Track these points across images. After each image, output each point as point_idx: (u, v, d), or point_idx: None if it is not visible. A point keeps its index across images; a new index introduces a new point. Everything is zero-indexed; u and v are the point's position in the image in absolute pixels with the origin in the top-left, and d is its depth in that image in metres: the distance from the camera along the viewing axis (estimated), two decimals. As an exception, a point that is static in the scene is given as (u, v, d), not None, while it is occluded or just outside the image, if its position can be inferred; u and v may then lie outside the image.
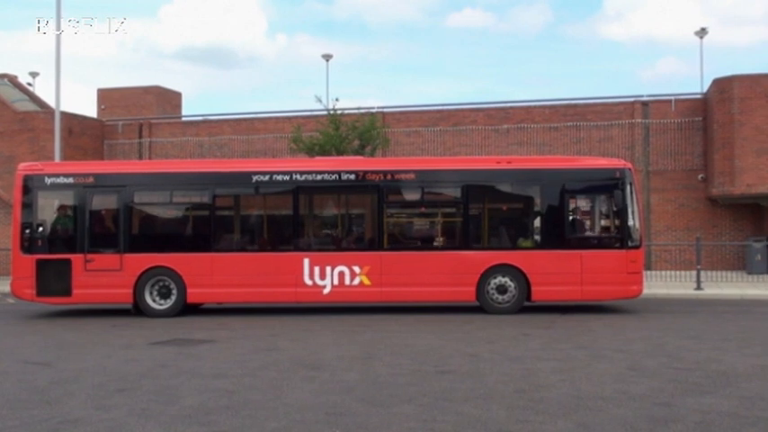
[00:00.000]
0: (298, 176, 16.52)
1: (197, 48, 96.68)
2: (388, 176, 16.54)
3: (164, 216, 17.57)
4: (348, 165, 17.19)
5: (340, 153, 23.48)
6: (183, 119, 36.77)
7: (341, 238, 17.10)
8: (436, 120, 29.86)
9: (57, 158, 24.36)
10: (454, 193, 16.82)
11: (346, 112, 25.90)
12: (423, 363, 10.09)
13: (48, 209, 16.95)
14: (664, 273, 23.83)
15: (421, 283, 15.98)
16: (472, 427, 6.80)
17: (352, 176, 16.61)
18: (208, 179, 16.82)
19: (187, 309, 16.46)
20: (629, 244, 15.98)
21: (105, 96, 39.07)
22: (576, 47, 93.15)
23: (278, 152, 29.26)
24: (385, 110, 30.52)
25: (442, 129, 29.63)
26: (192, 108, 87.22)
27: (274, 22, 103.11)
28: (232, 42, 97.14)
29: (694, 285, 20.64)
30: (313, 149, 24.05)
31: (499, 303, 16.03)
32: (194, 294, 16.22)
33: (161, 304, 16.19)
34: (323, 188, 16.84)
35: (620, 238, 16.04)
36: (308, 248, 16.49)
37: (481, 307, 16.07)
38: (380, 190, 16.43)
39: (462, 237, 16.60)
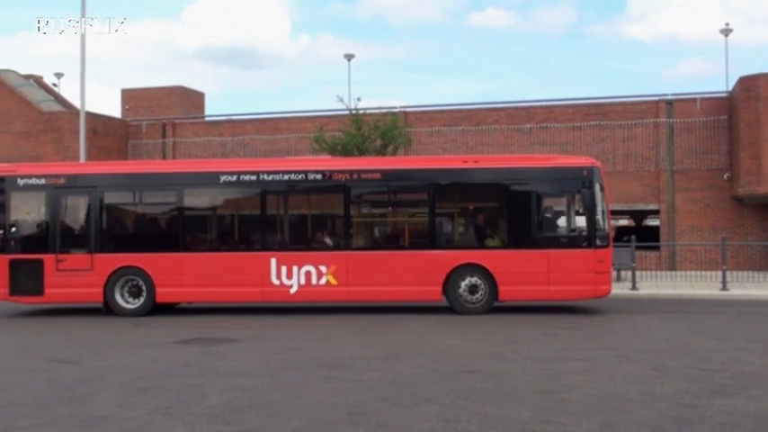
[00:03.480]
0: (265, 177, 16.59)
1: (220, 48, 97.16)
2: (355, 176, 16.47)
3: (133, 216, 17.62)
4: (314, 165, 17.11)
5: (362, 153, 23.49)
6: (207, 119, 36.95)
7: (308, 238, 17.12)
8: (458, 119, 29.79)
9: (82, 158, 24.54)
10: (420, 192, 16.70)
11: (368, 111, 25.89)
12: (445, 362, 10.07)
13: (21, 209, 17.18)
14: (689, 273, 23.62)
15: (387, 282, 15.91)
16: (495, 428, 6.78)
17: (319, 176, 16.57)
18: (176, 179, 16.97)
19: (161, 308, 16.61)
20: (597, 243, 15.63)
21: (129, 97, 39.33)
22: (599, 46, 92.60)
23: (300, 152, 29.27)
24: (407, 109, 30.50)
25: (464, 128, 29.56)
26: (214, 108, 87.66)
27: (297, 22, 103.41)
28: (255, 43, 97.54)
29: (720, 286, 20.43)
30: (335, 149, 24.06)
31: (470, 303, 15.87)
32: (163, 294, 16.33)
33: (131, 303, 16.33)
34: (290, 188, 16.88)
35: (587, 237, 15.71)
36: (275, 248, 16.51)
37: (451, 307, 15.92)
38: (347, 190, 16.40)
39: (428, 236, 16.43)
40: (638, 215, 31.61)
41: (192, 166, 18.83)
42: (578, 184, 15.87)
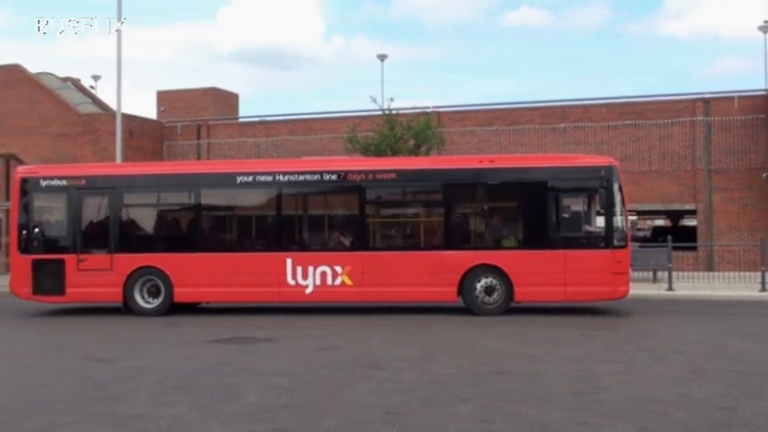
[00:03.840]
0: (280, 177, 16.64)
1: (254, 49, 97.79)
2: (370, 176, 16.41)
3: (151, 216, 17.78)
4: (330, 165, 17.13)
5: (395, 153, 23.50)
6: (241, 120, 37.23)
7: (323, 239, 17.13)
8: (492, 119, 29.68)
9: (118, 160, 24.84)
10: (436, 192, 16.60)
11: (401, 111, 25.90)
12: (481, 363, 10.04)
13: (43, 211, 17.55)
14: (727, 274, 23.26)
15: (402, 283, 15.83)
16: (529, 429, 6.74)
17: (334, 177, 16.59)
18: (192, 180, 17.17)
19: (183, 308, 16.79)
20: (615, 243, 15.35)
21: (164, 98, 39.76)
22: (634, 45, 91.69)
23: (333, 152, 29.36)
24: (440, 109, 30.45)
25: (497, 128, 29.43)
26: (248, 109, 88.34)
27: (331, 23, 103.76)
28: (289, 44, 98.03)
29: (759, 287, 20.10)
30: (368, 149, 24.09)
31: (486, 304, 15.71)
32: (181, 294, 16.47)
33: (150, 303, 16.51)
34: (305, 189, 16.88)
35: (605, 237, 15.44)
36: (290, 248, 16.55)
37: (468, 308, 15.80)
38: (362, 190, 16.36)
39: (443, 237, 16.32)
40: (675, 215, 31.26)
41: (209, 167, 19.15)
42: (596, 184, 15.61)
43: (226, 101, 39.95)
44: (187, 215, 17.32)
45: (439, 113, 29.44)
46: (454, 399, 7.88)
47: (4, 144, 32.10)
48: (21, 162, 30.78)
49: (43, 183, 17.18)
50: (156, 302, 16.47)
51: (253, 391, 8.38)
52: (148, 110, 62.92)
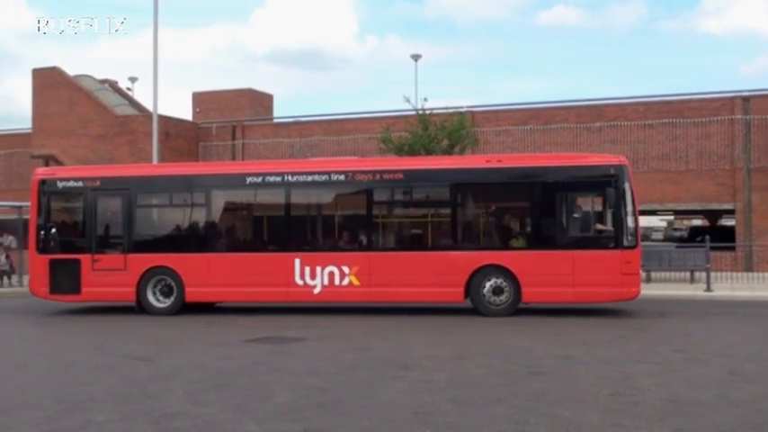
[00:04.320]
0: (289, 177, 16.72)
1: (288, 50, 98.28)
2: (377, 177, 16.38)
3: (163, 217, 18.06)
4: (337, 165, 17.12)
5: (429, 153, 23.46)
6: (275, 120, 37.49)
7: (331, 239, 17.17)
8: (526, 118, 29.52)
9: (154, 160, 25.12)
10: (443, 192, 16.48)
11: (435, 111, 25.85)
12: (515, 364, 9.99)
13: (60, 211, 17.95)
14: (767, 274, 22.91)
15: (409, 283, 15.77)
16: (565, 431, 6.69)
17: (342, 177, 16.59)
18: (202, 181, 17.38)
19: (199, 308, 17.00)
20: (625, 244, 15.03)
21: (200, 99, 40.14)
22: (671, 42, 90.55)
23: (367, 152, 29.44)
24: (474, 109, 30.37)
25: (532, 127, 29.27)
26: (283, 110, 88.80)
27: (365, 23, 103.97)
28: (323, 45, 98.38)
29: (799, 288, 19.76)
30: (402, 149, 24.09)
31: (494, 305, 15.57)
32: (192, 293, 16.66)
33: (162, 302, 16.76)
34: (313, 189, 16.89)
35: (614, 237, 15.15)
36: (299, 249, 16.59)
37: (476, 309, 15.68)
38: (369, 190, 16.34)
39: (450, 237, 16.23)
40: (713, 215, 30.85)
41: (219, 168, 19.39)
42: (605, 183, 15.25)
43: (260, 102, 40.23)
44: (197, 215, 17.50)
45: (473, 113, 29.35)
46: (487, 399, 7.85)
47: (43, 145, 32.65)
48: (60, 163, 31.29)
49: (60, 184, 17.59)
50: (168, 302, 16.73)
51: (286, 390, 8.42)
52: (184, 111, 63.55)
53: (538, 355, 10.81)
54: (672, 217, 64.97)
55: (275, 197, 17.10)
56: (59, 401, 8.00)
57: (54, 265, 17.05)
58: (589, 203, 15.85)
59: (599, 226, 15.58)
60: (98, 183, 17.40)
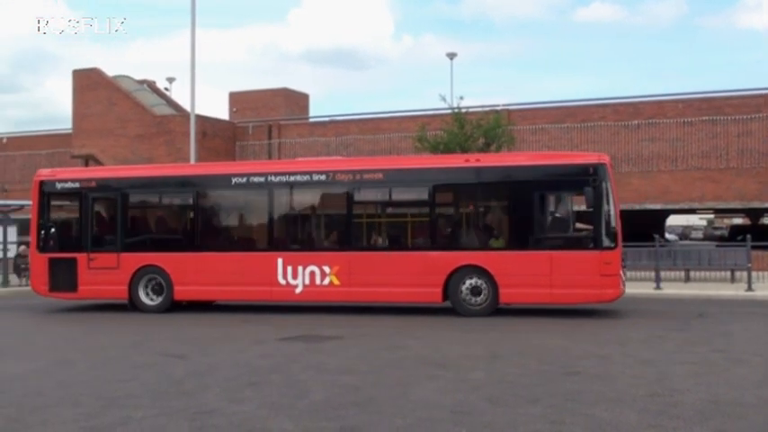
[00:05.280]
0: (272, 178, 16.88)
1: (324, 50, 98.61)
2: (357, 177, 16.36)
3: (153, 217, 18.57)
4: (318, 166, 17.17)
5: (464, 151, 23.38)
6: (311, 120, 37.61)
7: (312, 239, 17.29)
8: (563, 116, 29.29)
9: (192, 160, 25.35)
10: (421, 192, 16.27)
11: (471, 110, 25.76)
12: (550, 363, 9.91)
13: (59, 212, 18.52)
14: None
15: (388, 283, 15.74)
16: (602, 431, 6.62)
17: (323, 177, 16.65)
18: (189, 181, 17.73)
19: (200, 306, 17.36)
20: (604, 244, 14.66)
21: (236, 99, 40.41)
22: (712, 38, 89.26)
23: (402, 151, 29.45)
24: (510, 107, 30.19)
25: (569, 125, 29.03)
26: (318, 109, 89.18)
27: (400, 22, 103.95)
28: (359, 44, 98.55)
29: (843, 287, 19.35)
30: (437, 148, 24.05)
31: (472, 305, 15.40)
32: (180, 292, 17.04)
33: (154, 300, 17.15)
34: (296, 189, 17.02)
35: (593, 238, 14.81)
36: (281, 248, 16.74)
37: (454, 309, 15.55)
38: (349, 190, 16.34)
39: (429, 237, 16.09)
40: (754, 213, 30.35)
41: (205, 169, 19.74)
42: (583, 182, 14.79)
43: (296, 101, 40.39)
44: (185, 215, 18.00)
45: (509, 111, 29.17)
46: (523, 399, 7.79)
47: (83, 145, 33.13)
48: (99, 163, 31.73)
49: (59, 185, 18.11)
50: (158, 300, 17.09)
51: (321, 388, 8.44)
52: (221, 110, 64.07)
53: (574, 354, 10.72)
54: (712, 215, 64.10)
55: (259, 197, 17.33)
56: (98, 398, 8.10)
57: (53, 263, 17.63)
58: (568, 203, 15.51)
59: (577, 226, 15.33)
60: (93, 184, 17.95)
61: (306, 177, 16.75)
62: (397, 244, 16.68)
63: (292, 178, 16.84)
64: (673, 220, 59.28)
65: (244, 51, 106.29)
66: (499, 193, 16.25)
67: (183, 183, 17.92)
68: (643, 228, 29.11)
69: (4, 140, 39.80)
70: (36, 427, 6.99)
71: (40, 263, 17.85)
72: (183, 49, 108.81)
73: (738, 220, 57.74)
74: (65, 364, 10.58)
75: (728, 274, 22.19)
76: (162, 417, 7.28)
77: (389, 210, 17.39)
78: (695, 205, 29.14)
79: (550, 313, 15.54)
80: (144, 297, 17.18)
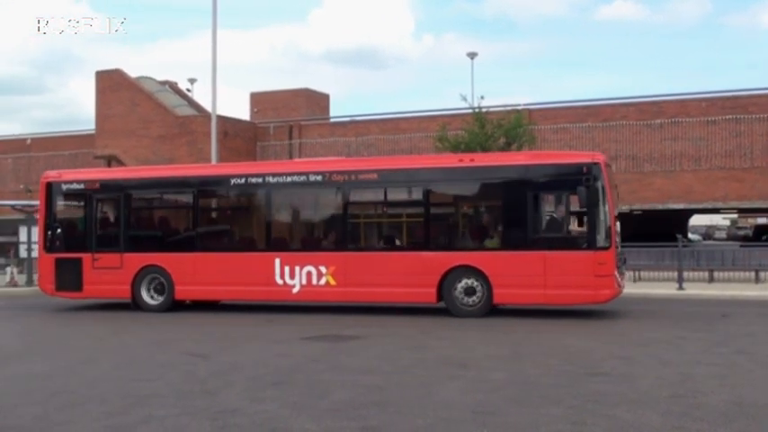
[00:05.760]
0: (270, 179, 16.98)
1: (345, 50, 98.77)
2: (352, 177, 16.37)
3: (155, 217, 18.84)
4: (314, 166, 17.22)
5: (485, 151, 23.33)
6: (332, 120, 37.69)
7: (309, 239, 17.41)
8: (584, 115, 29.16)
9: (213, 160, 25.47)
10: (416, 192, 16.29)
11: (492, 109, 25.70)
12: (573, 364, 9.88)
13: (65, 213, 18.82)
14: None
15: (383, 283, 15.73)
16: (625, 432, 6.59)
17: (319, 178, 16.66)
18: (189, 182, 17.92)
19: (205, 306, 17.56)
20: (598, 245, 14.44)
21: (257, 100, 40.58)
22: (736, 36, 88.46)
23: (423, 151, 29.44)
24: (531, 107, 30.11)
25: (590, 125, 28.89)
26: (339, 109, 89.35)
27: (421, 22, 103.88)
28: (379, 44, 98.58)
29: None
30: (458, 148, 24.02)
31: (466, 306, 15.31)
32: (181, 291, 17.27)
33: (155, 300, 17.40)
34: (292, 190, 17.11)
35: (587, 238, 14.60)
36: (279, 249, 16.82)
37: (448, 310, 15.48)
38: (345, 191, 16.38)
39: (423, 237, 16.04)
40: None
41: (204, 170, 19.95)
42: (577, 182, 14.50)
43: (317, 101, 40.49)
44: (185, 215, 18.21)
45: (530, 111, 29.08)
46: (545, 400, 7.77)
47: (106, 146, 33.40)
48: (122, 163, 31.97)
49: (64, 187, 18.48)
50: (160, 299, 17.31)
51: (343, 388, 8.46)
52: (242, 111, 64.33)
53: (596, 355, 10.67)
54: (735, 215, 63.52)
55: (257, 198, 17.59)
56: (123, 396, 8.17)
57: (59, 263, 17.99)
58: (562, 203, 15.25)
59: (571, 226, 15.15)
60: (97, 185, 18.25)
61: (302, 178, 16.83)
62: (391, 244, 16.74)
63: (289, 179, 16.92)
64: (696, 220, 58.85)
65: (265, 52, 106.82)
66: (493, 192, 16.13)
67: (182, 183, 18.18)
68: (666, 228, 28.94)
69: (28, 141, 40.23)
70: (62, 425, 7.07)
71: (47, 263, 18.22)
72: (205, 49, 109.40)
73: (763, 220, 57.13)
74: (90, 362, 10.69)
75: (753, 274, 21.98)
76: (185, 416, 7.33)
77: (384, 210, 17.38)
78: (719, 205, 28.91)
79: (570, 314, 15.47)
80: (146, 296, 17.43)
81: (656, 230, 27.42)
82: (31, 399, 8.19)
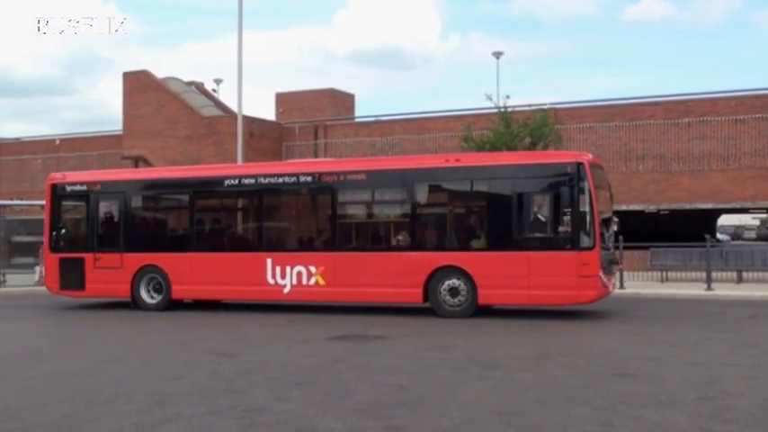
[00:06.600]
0: (261, 180, 17.17)
1: (370, 50, 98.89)
2: (341, 178, 16.44)
3: (153, 218, 19.17)
4: (303, 167, 17.46)
5: (511, 150, 23.24)
6: (357, 120, 37.74)
7: (299, 239, 17.49)
8: (611, 115, 28.96)
9: (239, 160, 25.60)
10: (402, 193, 16.23)
11: (517, 109, 25.60)
12: (600, 365, 9.81)
13: (68, 213, 19.30)
14: None
15: (370, 283, 15.78)
16: (652, 434, 6.53)
17: (308, 179, 16.86)
18: (185, 183, 18.21)
19: (207, 305, 17.83)
20: (582, 245, 14.26)
21: (283, 100, 40.72)
22: (766, 34, 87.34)
23: (448, 151, 29.36)
24: (557, 106, 29.97)
25: (617, 124, 28.69)
26: (364, 110, 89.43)
27: (448, 22, 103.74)
28: (405, 44, 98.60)
29: None
30: (483, 147, 23.94)
31: (451, 306, 15.25)
32: (178, 291, 17.52)
33: (154, 299, 17.71)
34: (283, 190, 17.31)
35: (570, 238, 14.39)
36: (271, 249, 16.95)
37: (434, 310, 15.43)
38: (334, 191, 16.46)
39: (409, 238, 16.01)
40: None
41: (200, 171, 20.22)
42: (561, 182, 14.44)
43: (342, 101, 40.57)
44: (181, 216, 18.49)
45: (556, 110, 28.95)
46: (572, 400, 7.72)
47: (133, 147, 33.70)
48: (149, 164, 32.22)
49: (68, 188, 18.94)
50: (159, 298, 17.60)
51: (368, 388, 8.46)
52: (268, 111, 64.65)
53: (623, 356, 10.58)
54: (765, 215, 62.76)
55: (249, 198, 17.85)
56: (150, 395, 8.23)
57: (63, 262, 18.43)
58: (546, 203, 15.03)
59: (555, 226, 14.81)
60: (99, 186, 18.58)
61: (293, 179, 17.03)
62: (379, 244, 16.81)
63: (280, 180, 17.12)
64: (724, 220, 58.20)
65: (291, 52, 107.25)
66: (478, 193, 16.10)
67: (179, 185, 18.48)
68: (694, 228, 28.65)
69: (57, 142, 40.71)
70: (90, 423, 7.13)
71: (52, 262, 18.63)
72: (231, 50, 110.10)
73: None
74: (117, 361, 10.78)
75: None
76: (211, 414, 7.37)
77: (372, 210, 17.43)
78: (748, 204, 28.59)
79: (595, 315, 15.36)
80: (145, 296, 17.73)
81: (684, 230, 27.17)
82: (59, 396, 8.27)
